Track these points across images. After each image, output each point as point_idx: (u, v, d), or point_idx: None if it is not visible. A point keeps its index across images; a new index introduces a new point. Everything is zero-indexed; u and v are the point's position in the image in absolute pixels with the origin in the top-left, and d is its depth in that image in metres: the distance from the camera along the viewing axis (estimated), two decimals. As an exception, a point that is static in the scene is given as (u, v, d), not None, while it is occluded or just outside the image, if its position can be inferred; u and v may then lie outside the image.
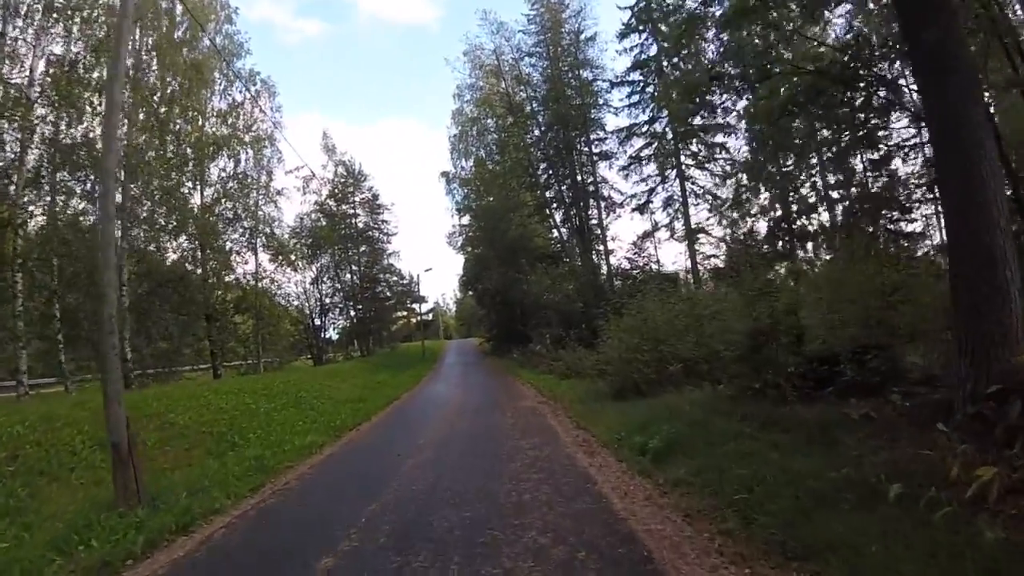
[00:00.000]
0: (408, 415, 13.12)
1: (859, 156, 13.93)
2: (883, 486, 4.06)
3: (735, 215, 23.65)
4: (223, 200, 23.80)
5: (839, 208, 19.26)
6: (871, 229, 14.14)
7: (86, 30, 16.09)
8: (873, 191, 15.90)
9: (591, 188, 28.60)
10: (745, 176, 23.33)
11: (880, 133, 9.64)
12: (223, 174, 23.96)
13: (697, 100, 8.67)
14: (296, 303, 33.39)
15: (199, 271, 22.42)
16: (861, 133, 8.41)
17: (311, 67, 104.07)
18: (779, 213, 21.56)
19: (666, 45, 24.60)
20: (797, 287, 8.94)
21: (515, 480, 5.86)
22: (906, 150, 12.30)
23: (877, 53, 6.33)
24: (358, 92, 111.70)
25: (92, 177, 15.64)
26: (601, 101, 28.41)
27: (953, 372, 5.79)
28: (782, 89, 7.14)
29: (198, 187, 23.00)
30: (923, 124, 7.70)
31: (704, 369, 9.29)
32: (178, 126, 21.39)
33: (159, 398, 11.16)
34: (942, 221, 17.30)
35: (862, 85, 6.90)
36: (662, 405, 8.08)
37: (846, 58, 6.39)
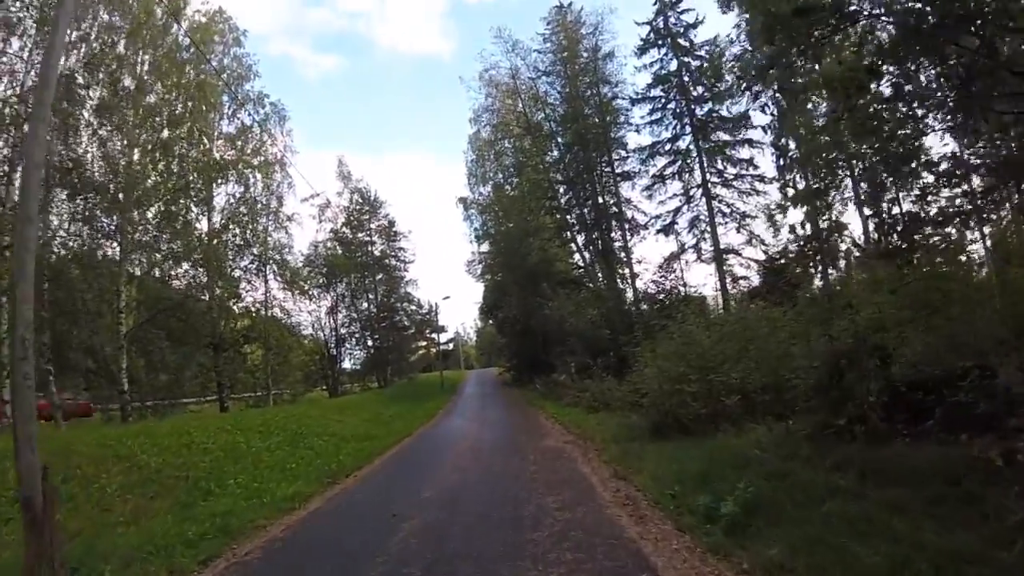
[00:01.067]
0: (416, 457, 11.71)
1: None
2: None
3: (773, 227, 22.33)
4: (231, 226, 22.72)
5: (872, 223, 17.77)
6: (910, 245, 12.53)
7: (80, 46, 15.45)
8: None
9: (614, 209, 27.28)
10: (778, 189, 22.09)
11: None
12: (231, 199, 23.02)
13: (777, 41, 7.27)
14: (310, 332, 32.52)
15: (205, 298, 21.30)
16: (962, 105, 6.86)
17: (329, 101, 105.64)
18: (808, 231, 20.16)
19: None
20: (879, 298, 7.43)
21: (541, 562, 4.32)
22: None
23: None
24: (375, 124, 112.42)
25: (84, 199, 14.88)
26: (622, 119, 27.28)
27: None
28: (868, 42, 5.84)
29: (205, 212, 22.20)
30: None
31: (764, 401, 7.76)
32: (183, 149, 20.54)
33: (140, 434, 9.90)
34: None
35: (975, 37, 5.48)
36: (722, 449, 6.57)
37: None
